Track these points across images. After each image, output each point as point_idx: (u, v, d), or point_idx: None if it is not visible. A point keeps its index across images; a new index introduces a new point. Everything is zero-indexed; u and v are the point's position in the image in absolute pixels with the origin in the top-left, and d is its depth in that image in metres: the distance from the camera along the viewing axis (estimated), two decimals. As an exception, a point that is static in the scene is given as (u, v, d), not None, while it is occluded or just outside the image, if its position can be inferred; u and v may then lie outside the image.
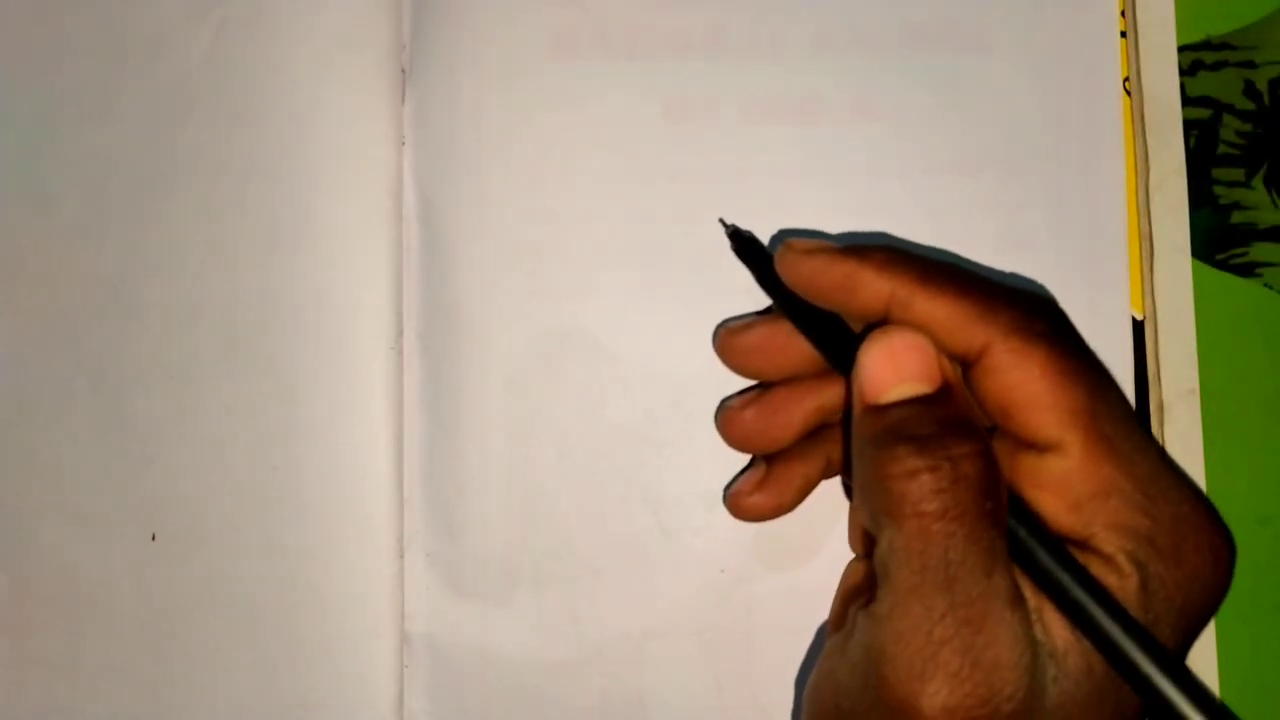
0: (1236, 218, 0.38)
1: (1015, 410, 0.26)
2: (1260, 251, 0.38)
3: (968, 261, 0.37)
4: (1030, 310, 0.26)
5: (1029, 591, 0.25)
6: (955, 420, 0.25)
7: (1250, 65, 0.38)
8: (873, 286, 0.27)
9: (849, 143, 0.38)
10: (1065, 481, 0.25)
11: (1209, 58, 0.38)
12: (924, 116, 0.38)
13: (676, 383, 0.37)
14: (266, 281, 0.38)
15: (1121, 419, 0.26)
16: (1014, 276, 0.37)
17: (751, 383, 0.35)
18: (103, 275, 0.38)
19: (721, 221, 0.34)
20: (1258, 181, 0.38)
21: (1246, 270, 0.38)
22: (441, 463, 0.37)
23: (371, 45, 0.38)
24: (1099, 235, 0.37)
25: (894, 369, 0.26)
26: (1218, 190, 0.38)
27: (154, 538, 0.37)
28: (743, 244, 0.33)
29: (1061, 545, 0.26)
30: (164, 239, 0.38)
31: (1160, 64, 0.38)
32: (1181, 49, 0.38)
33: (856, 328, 0.30)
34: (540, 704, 0.36)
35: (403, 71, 0.38)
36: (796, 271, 0.29)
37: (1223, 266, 0.38)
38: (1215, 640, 0.36)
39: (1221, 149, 0.38)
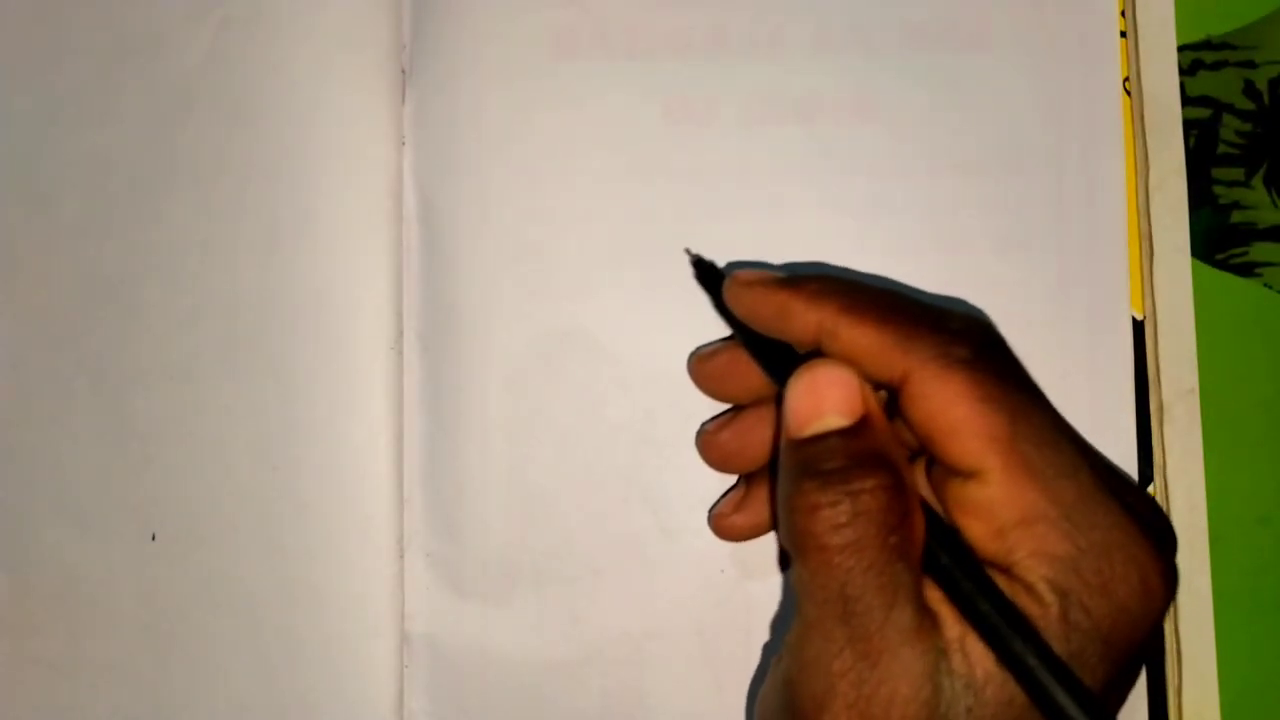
0: (1236, 217, 0.38)
1: (937, 436, 0.25)
2: (1260, 251, 0.38)
3: (913, 289, 0.37)
4: (955, 336, 0.26)
5: (951, 620, 0.25)
6: (864, 454, 0.25)
7: (1250, 65, 0.38)
8: (803, 317, 0.28)
9: (849, 143, 0.38)
10: (988, 508, 0.25)
11: (1209, 57, 0.38)
12: (924, 116, 0.38)
13: (676, 383, 0.36)
14: (266, 281, 0.37)
15: (1048, 443, 0.25)
16: (955, 300, 0.37)
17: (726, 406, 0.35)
18: (102, 275, 0.38)
19: (687, 251, 0.35)
20: (1257, 181, 0.38)
21: (1246, 270, 0.38)
22: (441, 462, 0.37)
23: (371, 45, 0.38)
24: (1099, 235, 0.37)
25: (814, 402, 0.26)
26: (1217, 190, 0.38)
27: (154, 538, 0.37)
28: (704, 272, 0.34)
29: (981, 571, 0.25)
30: (164, 239, 0.38)
31: (1160, 64, 0.38)
32: (1181, 49, 0.38)
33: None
34: (540, 704, 0.36)
35: (403, 72, 0.38)
36: (740, 302, 0.30)
37: (1222, 266, 0.38)
38: (1215, 639, 0.36)
39: (1221, 149, 0.38)
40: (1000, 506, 0.25)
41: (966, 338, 0.26)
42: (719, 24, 0.38)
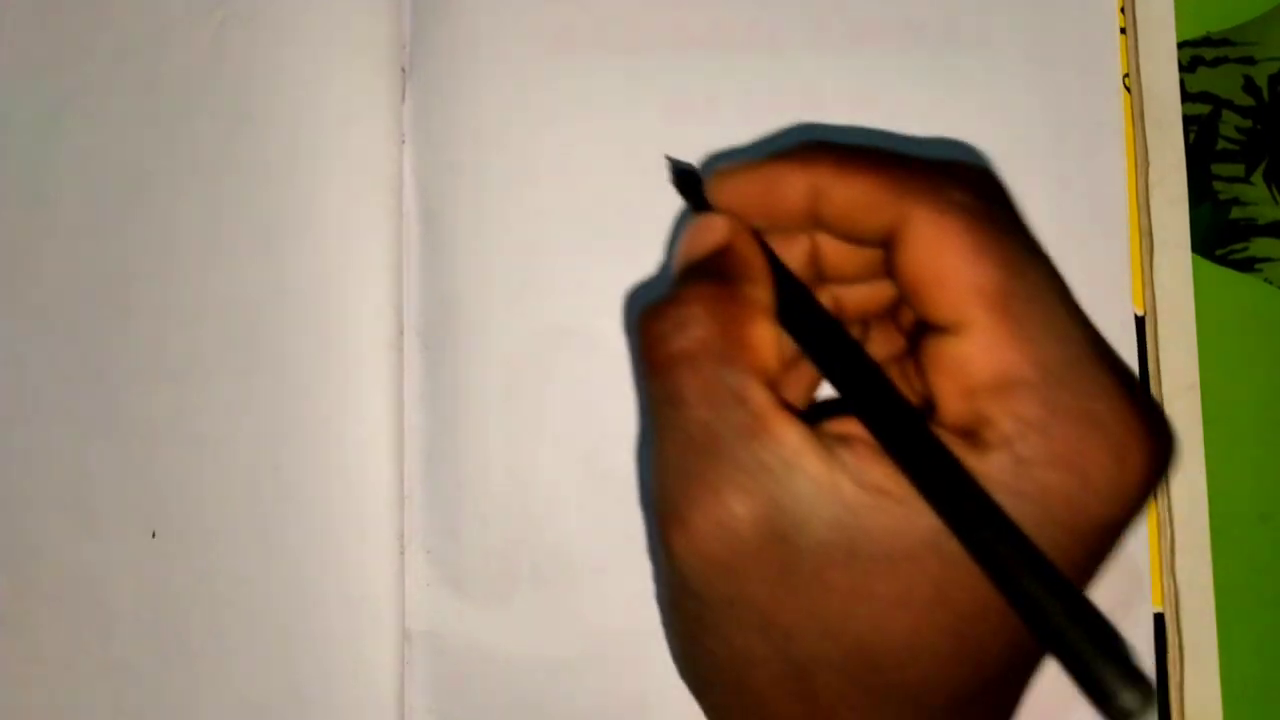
0: (1236, 213, 0.38)
1: (924, 286, 0.24)
2: (1260, 247, 0.38)
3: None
4: (952, 180, 0.24)
5: (803, 430, 0.24)
6: (698, 272, 0.26)
7: (1249, 61, 0.38)
8: (794, 184, 0.26)
9: (850, 138, 0.38)
10: (962, 364, 0.23)
11: (1208, 54, 0.38)
12: (923, 114, 0.38)
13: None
14: (267, 280, 0.37)
15: (1041, 302, 0.23)
16: (954, 144, 0.36)
17: None
18: (103, 274, 0.38)
19: (667, 158, 0.33)
20: (1257, 177, 0.38)
21: (1246, 265, 0.38)
22: (442, 460, 0.37)
23: (372, 44, 0.38)
24: (1100, 232, 0.37)
25: (687, 247, 0.27)
26: (1218, 186, 0.38)
27: (154, 536, 0.37)
28: (684, 179, 0.32)
29: (836, 338, 0.25)
30: (164, 237, 0.38)
31: (1160, 60, 0.38)
32: (1181, 45, 0.38)
33: (791, 242, 0.29)
34: (541, 701, 0.36)
35: (403, 70, 0.38)
36: (724, 193, 0.28)
37: (1223, 262, 0.38)
38: (1216, 635, 0.36)
39: (1221, 145, 0.38)
40: (976, 364, 0.23)
41: (965, 182, 0.24)
42: (718, 21, 0.38)
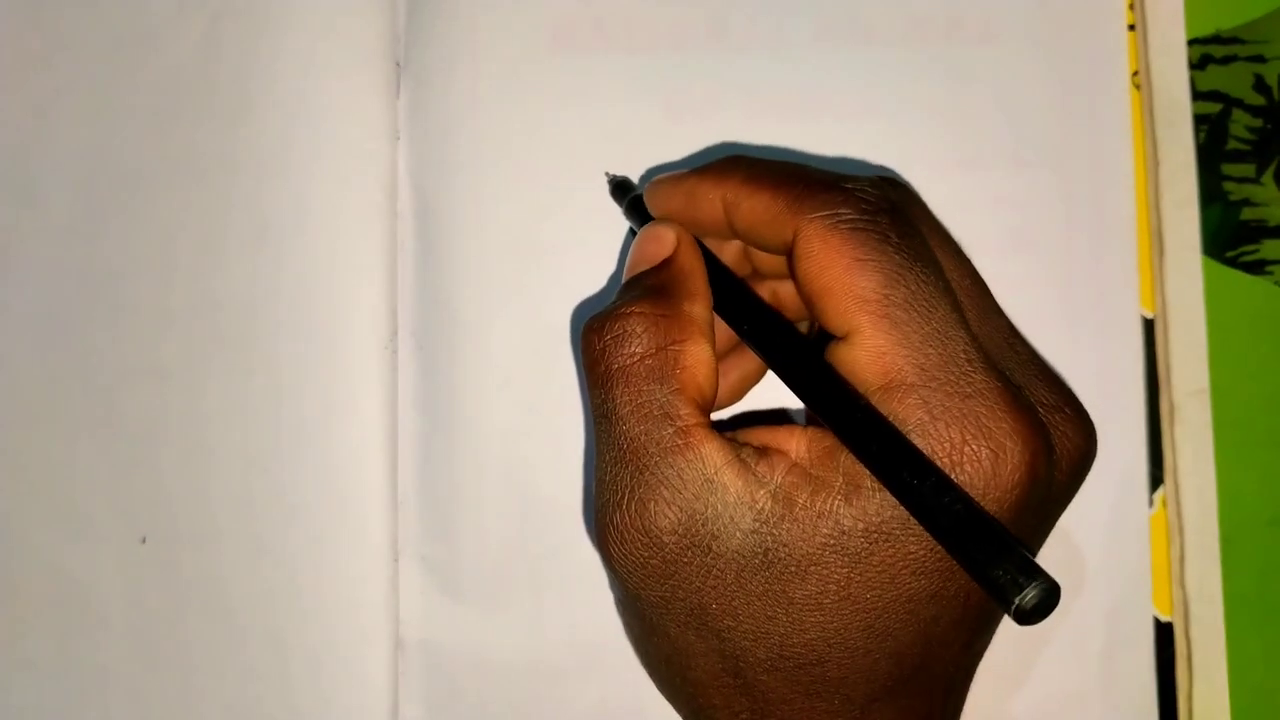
0: (1247, 214, 0.37)
1: (815, 297, 0.26)
2: (1271, 249, 0.37)
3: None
4: (846, 199, 0.26)
5: (729, 446, 0.26)
6: (638, 289, 0.28)
7: (1260, 59, 0.38)
8: (708, 195, 0.28)
9: (853, 137, 0.37)
10: (853, 369, 0.25)
11: (1218, 52, 0.38)
12: (929, 110, 0.37)
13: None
14: (258, 279, 0.37)
15: (922, 308, 0.25)
16: (881, 169, 0.36)
17: None
18: (92, 273, 0.37)
19: (607, 174, 0.35)
20: (1268, 178, 0.38)
21: (1256, 267, 0.37)
22: (437, 464, 0.36)
23: (365, 38, 0.38)
24: (1109, 232, 0.37)
25: (635, 257, 0.29)
26: (1228, 186, 0.38)
27: (144, 541, 0.37)
28: (620, 189, 0.34)
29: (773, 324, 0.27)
30: (154, 236, 0.37)
31: (1169, 58, 0.37)
32: (1190, 43, 0.37)
33: (722, 245, 0.31)
34: (537, 710, 0.36)
35: (397, 64, 0.38)
36: (654, 202, 0.31)
37: (1232, 264, 0.37)
38: (1225, 642, 0.35)
39: (1231, 144, 0.38)
40: (864, 368, 0.25)
41: (858, 201, 0.26)
42: (720, 16, 0.37)
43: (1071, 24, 0.37)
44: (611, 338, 0.27)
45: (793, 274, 0.27)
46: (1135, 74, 0.37)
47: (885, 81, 0.37)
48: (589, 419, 0.36)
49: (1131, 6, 0.37)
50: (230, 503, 0.36)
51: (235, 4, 0.38)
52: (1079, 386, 0.36)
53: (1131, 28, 0.37)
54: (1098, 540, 0.36)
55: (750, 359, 0.33)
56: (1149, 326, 0.36)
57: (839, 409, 0.25)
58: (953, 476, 0.24)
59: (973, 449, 0.24)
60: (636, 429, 0.26)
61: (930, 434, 0.24)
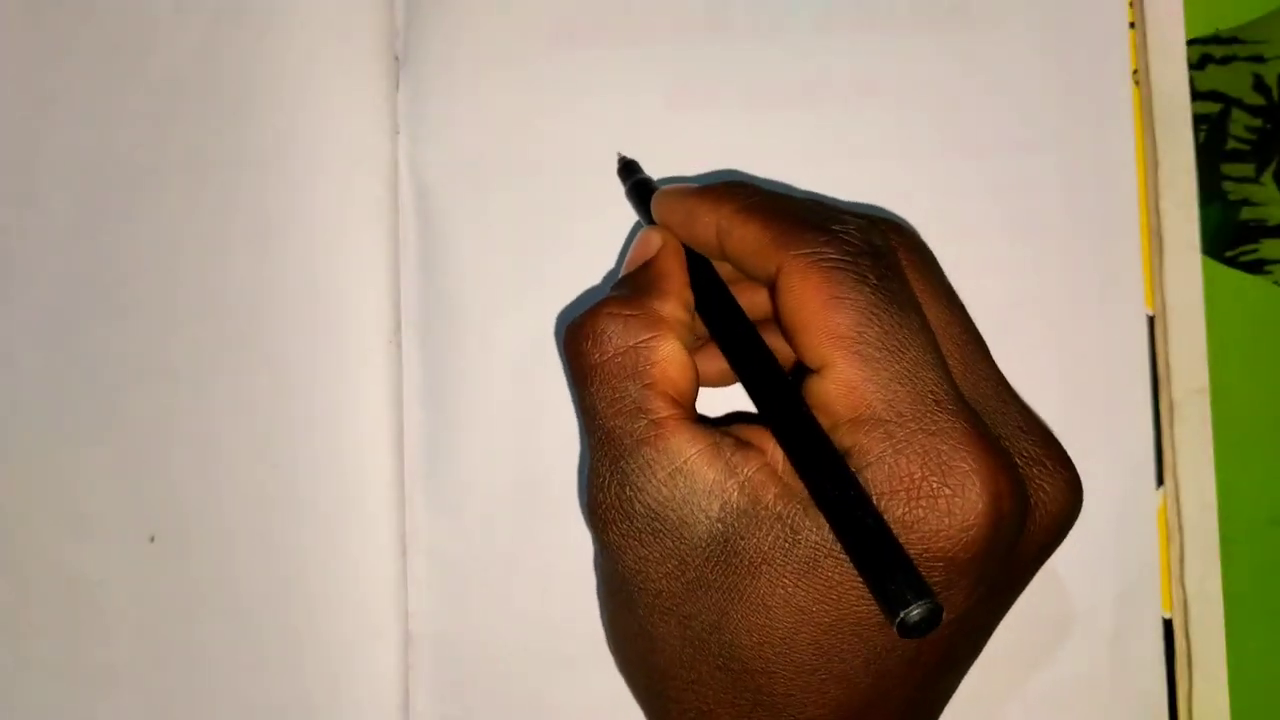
0: (1246, 214, 0.38)
1: (792, 331, 0.27)
2: (1270, 248, 0.38)
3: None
4: (831, 239, 0.27)
5: (709, 437, 0.27)
6: (620, 292, 0.29)
7: (1259, 59, 0.38)
8: (704, 219, 0.29)
9: (855, 126, 0.37)
10: (826, 403, 0.26)
11: (1218, 51, 0.38)
12: (932, 99, 0.37)
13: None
14: (261, 276, 0.37)
15: (894, 347, 0.26)
16: (877, 209, 0.36)
17: None
18: (95, 272, 0.37)
19: (619, 154, 0.36)
20: (1267, 177, 0.38)
21: (1256, 267, 0.38)
22: (443, 458, 0.36)
23: (364, 32, 0.37)
24: (1111, 230, 0.37)
25: (630, 262, 0.31)
26: (1227, 186, 0.38)
27: (153, 539, 0.37)
28: (626, 169, 0.35)
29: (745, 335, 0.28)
30: (157, 234, 0.37)
31: (1169, 57, 0.37)
32: (1190, 43, 0.38)
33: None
34: (546, 702, 0.36)
35: (396, 59, 0.37)
36: (658, 211, 0.32)
37: (1232, 263, 0.38)
38: (1225, 641, 0.36)
39: (1231, 144, 0.38)
40: (835, 401, 0.26)
41: (841, 242, 0.27)
42: (720, 6, 0.37)
43: (1073, 14, 0.37)
44: (590, 337, 0.28)
45: (773, 306, 0.28)
46: (1135, 73, 0.37)
47: (887, 69, 0.37)
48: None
49: (1131, 4, 0.37)
50: (237, 500, 0.36)
51: (236, 2, 0.37)
52: (1085, 377, 0.36)
53: (1131, 25, 0.37)
54: (1108, 531, 0.36)
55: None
56: (1150, 324, 0.37)
57: (782, 417, 0.26)
58: (908, 510, 0.24)
59: (930, 484, 0.24)
60: (612, 422, 0.27)
61: (890, 467, 0.25)
